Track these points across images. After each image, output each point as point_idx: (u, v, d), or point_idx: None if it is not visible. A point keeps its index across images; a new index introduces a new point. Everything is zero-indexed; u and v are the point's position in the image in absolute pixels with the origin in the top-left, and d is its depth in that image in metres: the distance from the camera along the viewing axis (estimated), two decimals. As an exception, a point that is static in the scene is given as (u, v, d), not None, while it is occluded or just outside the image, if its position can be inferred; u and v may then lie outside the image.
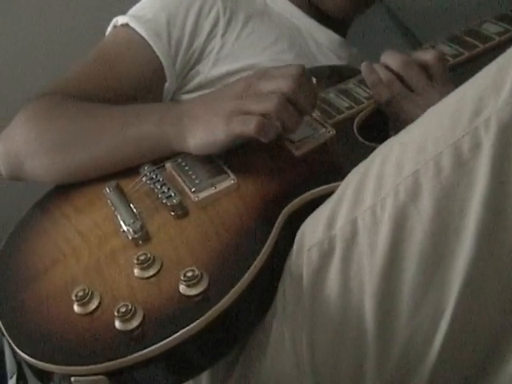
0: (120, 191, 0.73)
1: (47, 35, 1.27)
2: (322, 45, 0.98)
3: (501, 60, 0.56)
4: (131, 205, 0.70)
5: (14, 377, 0.68)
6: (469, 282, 0.55)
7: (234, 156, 0.71)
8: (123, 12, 0.92)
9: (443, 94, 0.62)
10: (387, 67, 0.78)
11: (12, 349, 0.61)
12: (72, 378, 0.56)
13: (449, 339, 0.57)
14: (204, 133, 0.68)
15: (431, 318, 0.57)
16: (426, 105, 0.63)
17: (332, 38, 0.99)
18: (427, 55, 0.76)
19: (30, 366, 0.59)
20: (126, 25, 0.88)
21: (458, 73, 0.81)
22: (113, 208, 0.71)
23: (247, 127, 0.64)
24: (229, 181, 0.69)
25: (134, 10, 0.92)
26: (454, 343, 0.57)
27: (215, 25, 0.90)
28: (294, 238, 0.65)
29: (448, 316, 0.56)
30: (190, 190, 0.69)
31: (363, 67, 0.80)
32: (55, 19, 1.27)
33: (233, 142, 0.68)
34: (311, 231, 0.63)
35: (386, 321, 0.58)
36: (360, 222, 0.60)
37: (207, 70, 0.89)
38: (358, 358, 0.60)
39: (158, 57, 0.86)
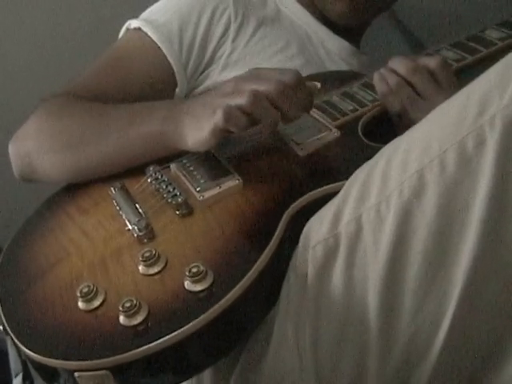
0: (125, 191, 0.73)
1: (59, 38, 1.28)
2: (332, 52, 0.99)
3: (506, 59, 0.57)
4: (136, 204, 0.71)
5: (19, 376, 0.68)
6: (472, 279, 0.55)
7: (239, 156, 0.71)
8: (135, 15, 0.93)
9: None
10: (395, 72, 0.78)
11: (16, 346, 0.61)
12: (76, 374, 0.56)
13: (451, 338, 0.57)
14: (195, 130, 0.68)
15: (434, 316, 0.57)
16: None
17: (343, 45, 1.00)
18: (432, 61, 0.77)
19: (34, 363, 0.59)
20: (139, 29, 0.89)
21: (461, 78, 0.82)
22: (118, 208, 0.71)
23: (216, 118, 0.65)
24: (234, 180, 0.70)
25: (146, 14, 0.93)
26: (455, 342, 0.57)
27: (226, 30, 0.91)
28: (298, 237, 0.65)
29: (450, 314, 0.56)
30: (195, 189, 0.70)
31: (375, 77, 0.80)
32: (66, 21, 1.28)
33: (219, 137, 0.67)
34: (316, 229, 0.63)
35: (388, 318, 0.58)
36: (365, 219, 0.60)
37: (216, 75, 0.90)
38: (360, 354, 0.60)
39: (169, 62, 0.87)
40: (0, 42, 1.29)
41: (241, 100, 0.65)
